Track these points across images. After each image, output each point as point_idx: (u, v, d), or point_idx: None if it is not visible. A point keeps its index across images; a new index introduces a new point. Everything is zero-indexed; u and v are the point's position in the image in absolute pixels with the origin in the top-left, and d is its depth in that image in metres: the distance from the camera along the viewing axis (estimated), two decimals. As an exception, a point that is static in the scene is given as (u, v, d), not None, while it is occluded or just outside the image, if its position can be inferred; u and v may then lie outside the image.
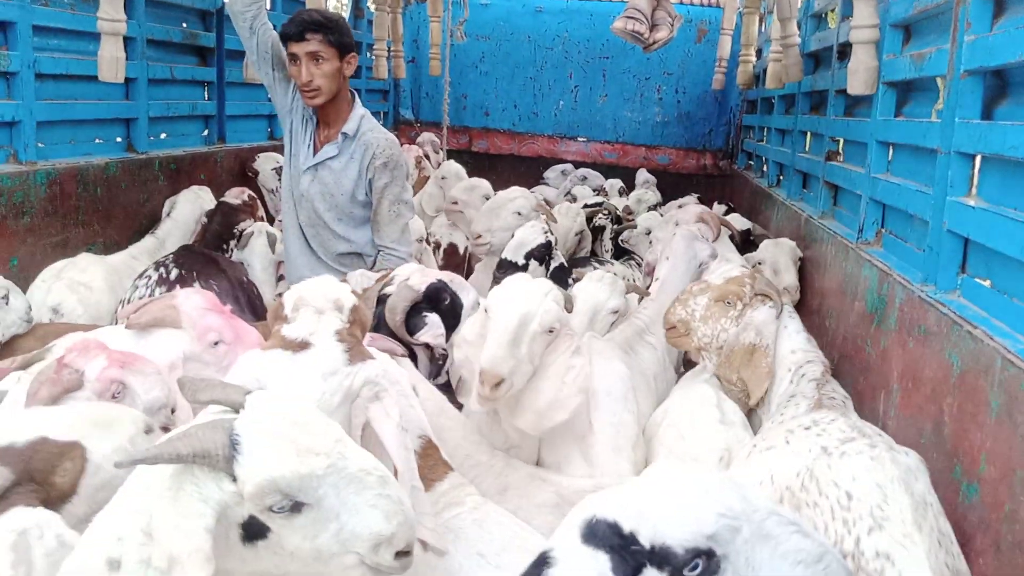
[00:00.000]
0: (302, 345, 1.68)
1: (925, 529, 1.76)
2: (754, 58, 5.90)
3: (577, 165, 7.51)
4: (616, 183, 6.77)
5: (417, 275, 2.63)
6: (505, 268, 3.59)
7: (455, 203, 4.67)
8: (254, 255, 4.07)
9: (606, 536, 1.08)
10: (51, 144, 3.86)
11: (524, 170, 7.96)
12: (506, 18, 7.89)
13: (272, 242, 4.11)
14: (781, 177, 5.34)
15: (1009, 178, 2.26)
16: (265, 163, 5.15)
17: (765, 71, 5.51)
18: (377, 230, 3.53)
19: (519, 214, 4.19)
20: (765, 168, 5.98)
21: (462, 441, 2.16)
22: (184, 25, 4.86)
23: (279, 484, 1.06)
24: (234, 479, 1.07)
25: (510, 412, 2.17)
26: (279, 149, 5.72)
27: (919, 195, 2.72)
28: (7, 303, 2.85)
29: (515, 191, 4.23)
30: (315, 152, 3.52)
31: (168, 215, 4.28)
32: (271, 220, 4.77)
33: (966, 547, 1.91)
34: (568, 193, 6.74)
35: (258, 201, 4.77)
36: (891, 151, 3.19)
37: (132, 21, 4.11)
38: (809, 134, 4.64)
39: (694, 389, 2.60)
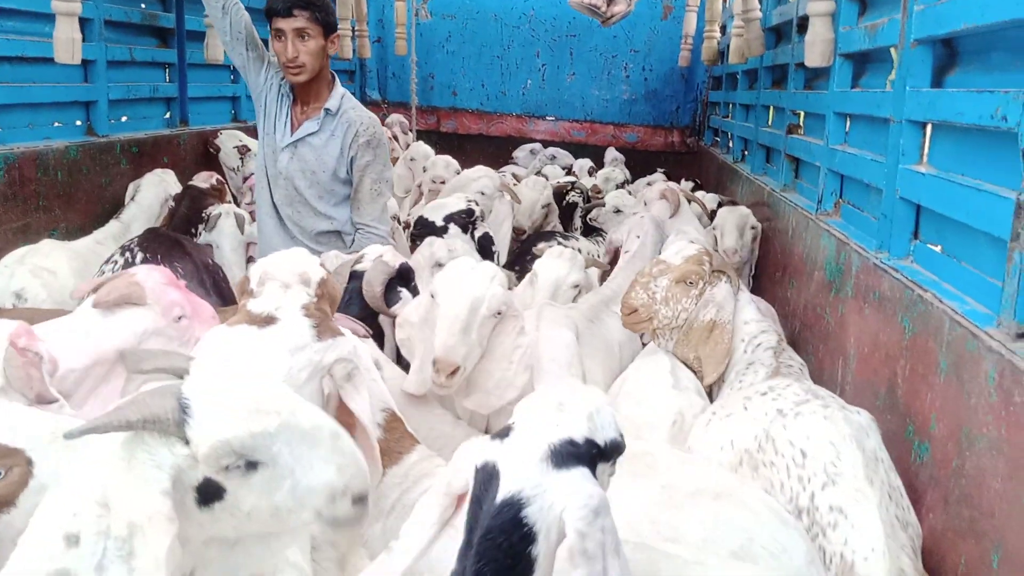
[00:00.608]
0: (268, 320, 1.67)
1: (876, 484, 1.82)
2: (718, 34, 5.93)
3: (546, 144, 7.54)
4: (585, 163, 6.79)
5: (389, 253, 2.67)
6: (421, 227, 3.64)
7: (442, 181, 4.69)
8: (223, 236, 4.02)
9: (579, 454, 1.10)
10: (9, 128, 3.80)
11: (493, 150, 7.95)
12: (471, -5, 7.86)
13: (241, 223, 4.08)
14: (746, 152, 5.39)
15: (959, 145, 2.31)
16: (228, 141, 5.10)
17: (729, 47, 5.55)
18: (357, 208, 3.51)
19: (482, 194, 4.22)
20: (731, 144, 6.04)
21: (426, 414, 2.18)
22: (143, 6, 4.78)
23: (232, 444, 1.08)
24: (186, 442, 1.08)
25: (461, 394, 2.19)
26: (243, 131, 5.70)
27: (873, 164, 2.77)
28: None
29: (479, 170, 4.25)
30: (293, 130, 3.50)
31: (132, 199, 4.23)
32: (234, 200, 4.74)
33: (917, 503, 1.98)
34: (539, 173, 6.76)
35: (226, 185, 4.73)
36: (848, 122, 3.25)
37: (89, 2, 4.05)
38: (772, 108, 4.68)
39: (650, 358, 2.64)
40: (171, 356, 1.27)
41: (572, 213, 5.25)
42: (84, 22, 3.88)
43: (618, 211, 4.93)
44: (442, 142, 7.79)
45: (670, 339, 2.68)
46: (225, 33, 3.47)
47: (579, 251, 3.62)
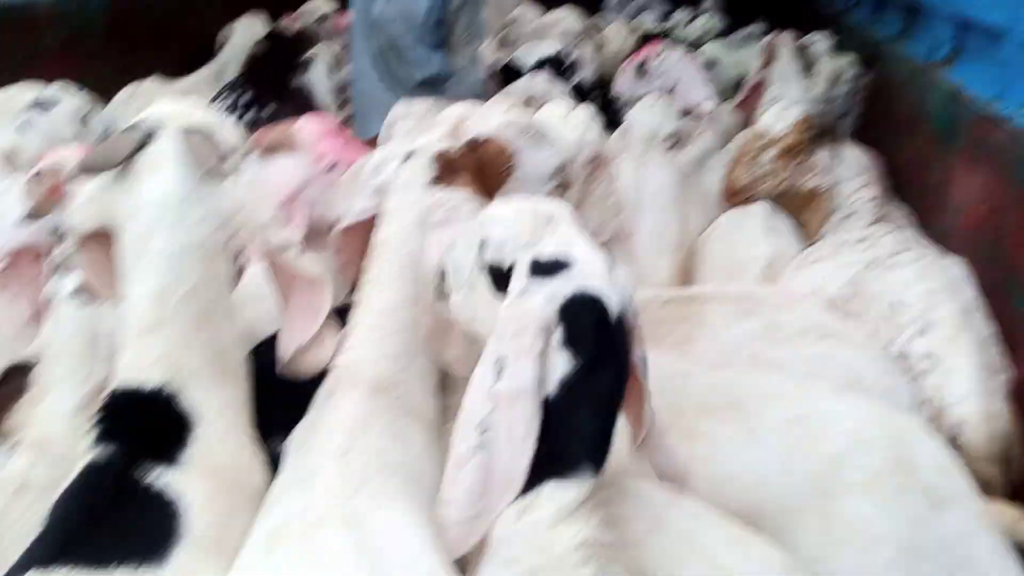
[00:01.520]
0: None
1: (970, 332, 1.81)
2: None
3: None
4: (683, 16, 6.39)
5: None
6: (509, 73, 3.59)
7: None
8: (317, 80, 4.06)
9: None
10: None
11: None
12: None
13: (332, 66, 4.09)
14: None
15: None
16: None
17: None
18: (450, 51, 3.45)
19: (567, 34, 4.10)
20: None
21: None
22: None
23: None
24: None
25: None
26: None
27: (996, 6, 2.58)
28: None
29: (562, 11, 4.12)
30: None
31: (223, 46, 4.27)
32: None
33: (1015, 350, 1.96)
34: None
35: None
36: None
37: None
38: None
39: (746, 206, 2.59)
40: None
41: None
42: None
43: (714, 64, 4.73)
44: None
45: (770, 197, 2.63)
46: None
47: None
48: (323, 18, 4.91)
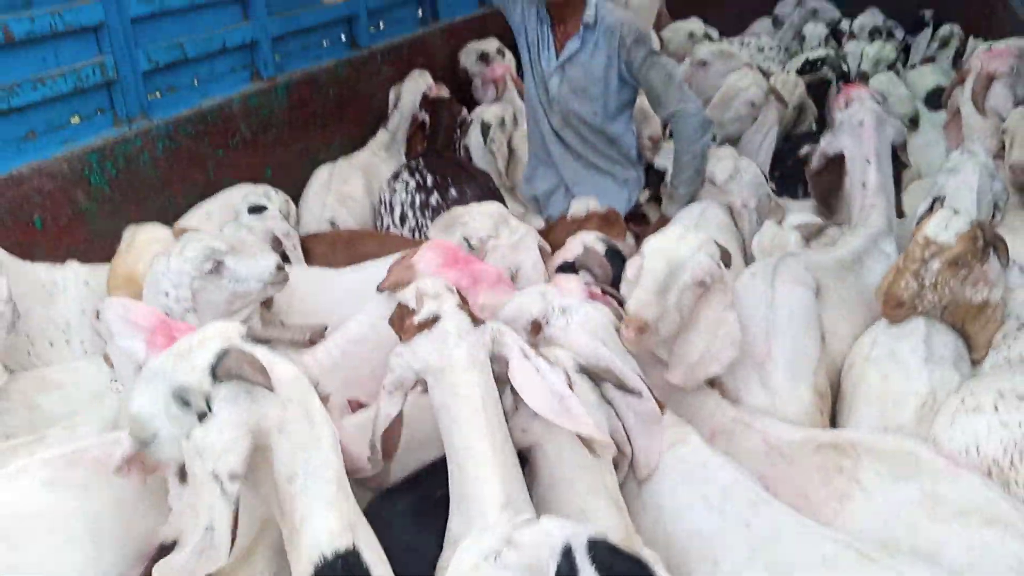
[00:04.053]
0: (434, 320, 1.80)
1: None
2: None
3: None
4: (867, 22, 6.05)
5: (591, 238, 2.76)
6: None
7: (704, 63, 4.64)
8: (473, 145, 4.28)
9: None
10: (285, 55, 4.18)
11: (746, 1, 7.36)
12: None
13: (485, 130, 4.28)
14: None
15: None
16: (466, 57, 5.21)
17: None
18: (659, 104, 3.59)
19: (752, 104, 4.05)
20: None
21: (671, 383, 2.25)
22: (393, -92, 4.88)
23: None
24: None
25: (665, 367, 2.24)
26: (489, 17, 5.77)
27: None
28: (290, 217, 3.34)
29: (747, 77, 4.07)
30: (557, 53, 3.58)
31: (395, 106, 4.54)
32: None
33: None
34: (797, 34, 6.23)
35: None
36: None
37: (345, -82, 4.22)
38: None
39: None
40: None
41: (825, 93, 4.79)
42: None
43: (847, 80, 4.49)
44: (690, -3, 7.33)
45: (935, 312, 2.49)
46: None
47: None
48: (484, 56, 5.10)
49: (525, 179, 4.10)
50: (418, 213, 3.68)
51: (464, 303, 1.88)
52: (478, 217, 2.81)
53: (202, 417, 1.52)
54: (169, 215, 3.41)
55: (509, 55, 5.18)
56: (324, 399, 1.86)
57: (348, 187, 3.94)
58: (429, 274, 2.24)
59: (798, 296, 2.55)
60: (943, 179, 3.03)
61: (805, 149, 4.04)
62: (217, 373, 1.53)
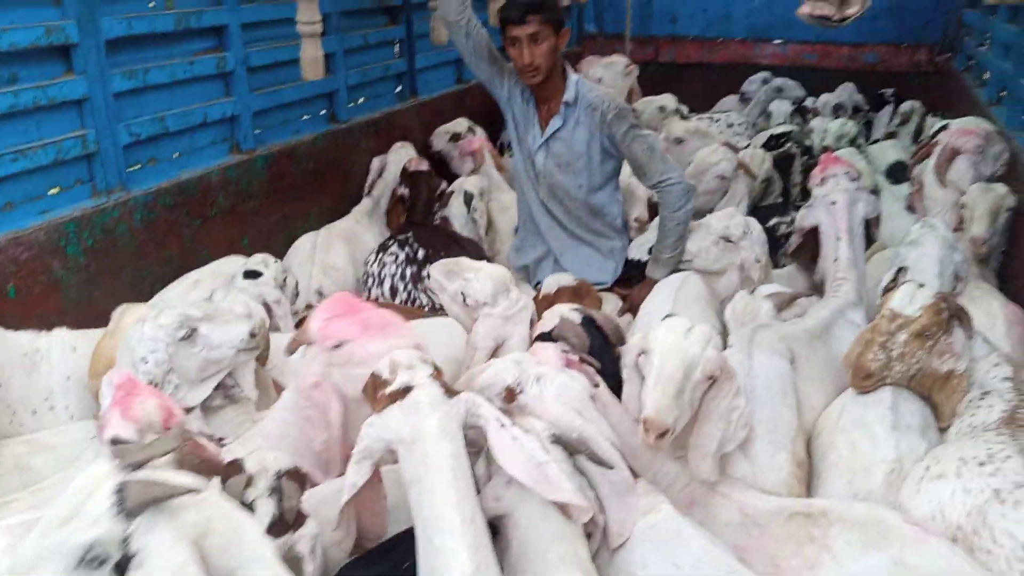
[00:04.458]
0: (407, 390, 1.82)
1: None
2: (976, -50, 5.23)
3: (773, 70, 7.08)
4: (830, 99, 6.29)
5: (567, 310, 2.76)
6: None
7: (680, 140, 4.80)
8: (455, 215, 4.35)
9: None
10: (267, 129, 4.26)
11: (715, 78, 7.62)
12: (691, -85, 7.43)
13: (468, 200, 4.36)
14: (1003, 94, 4.81)
15: None
16: (437, 141, 5.34)
17: (988, -29, 4.89)
18: (643, 174, 3.69)
19: (723, 178, 4.18)
20: (985, 77, 5.39)
21: (647, 450, 2.27)
22: (373, -13, 5.05)
23: None
24: None
25: (676, 456, 2.27)
26: (465, 93, 5.94)
27: None
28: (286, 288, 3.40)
29: (718, 152, 4.22)
30: (542, 130, 3.69)
31: (380, 175, 4.63)
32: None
33: None
34: (764, 111, 6.44)
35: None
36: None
37: (325, -2, 4.35)
38: (1035, 59, 4.14)
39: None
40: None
41: (789, 167, 4.96)
42: (322, 17, 4.12)
43: (859, 175, 4.63)
44: (659, 74, 7.60)
45: (902, 381, 2.54)
46: (468, 55, 3.75)
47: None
48: (456, 136, 5.22)
49: (514, 249, 4.18)
50: (409, 285, 3.71)
51: (438, 373, 1.90)
52: (483, 279, 2.82)
53: (123, 567, 1.38)
54: (144, 285, 3.43)
55: (479, 129, 5.33)
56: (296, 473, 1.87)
57: (331, 257, 3.99)
58: (319, 327, 2.24)
59: (775, 366, 2.60)
60: (905, 251, 3.13)
61: (774, 220, 4.17)
62: (127, 509, 1.39)
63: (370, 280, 3.81)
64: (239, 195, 3.98)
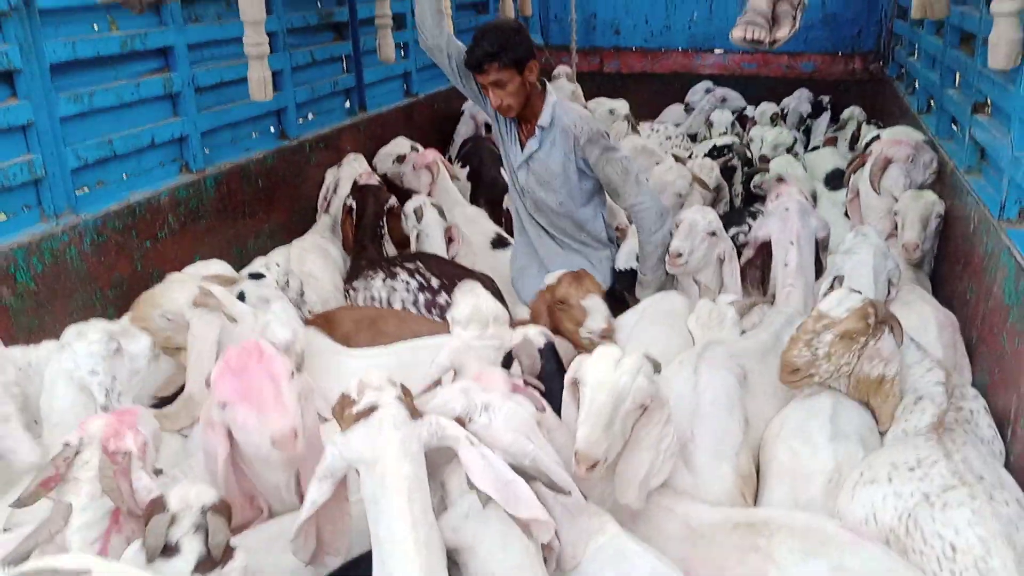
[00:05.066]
0: (372, 409, 1.84)
1: (1027, 584, 1.86)
2: (903, -35, 5.45)
3: (715, 79, 7.29)
4: (768, 109, 6.49)
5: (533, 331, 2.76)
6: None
7: None
8: (432, 226, 4.37)
9: None
10: (216, 148, 4.25)
11: (658, 87, 7.82)
12: (634, -72, 7.59)
13: (442, 212, 4.43)
14: (932, 102, 5.02)
15: None
16: (382, 162, 5.33)
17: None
18: (617, 196, 3.76)
19: (680, 195, 4.27)
20: (915, 86, 5.62)
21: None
22: (319, 5, 5.06)
23: None
24: None
25: (607, 484, 2.30)
26: (414, 106, 5.99)
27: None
28: (288, 284, 3.52)
29: (672, 171, 4.33)
30: (522, 148, 3.78)
31: (334, 191, 4.65)
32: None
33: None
34: (707, 120, 6.61)
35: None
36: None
37: (272, 16, 4.36)
38: (957, 73, 4.34)
39: (811, 400, 2.65)
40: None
41: (731, 178, 5.13)
42: (269, 35, 4.12)
43: (782, 179, 4.81)
44: (605, 83, 7.74)
45: (841, 383, 2.68)
46: (452, 74, 3.78)
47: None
48: (400, 159, 5.25)
49: (512, 255, 4.23)
50: (423, 311, 3.72)
51: (406, 395, 1.93)
52: (467, 301, 2.73)
53: None
54: (95, 308, 3.40)
55: (420, 148, 5.32)
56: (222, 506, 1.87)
57: (308, 266, 4.04)
58: (215, 375, 2.19)
59: (720, 380, 2.70)
60: (840, 260, 3.27)
61: (732, 230, 4.29)
62: None
63: (372, 302, 3.82)
64: (189, 215, 3.97)
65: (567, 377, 2.33)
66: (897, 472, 2.19)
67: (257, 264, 3.49)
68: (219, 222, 4.16)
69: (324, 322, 3.38)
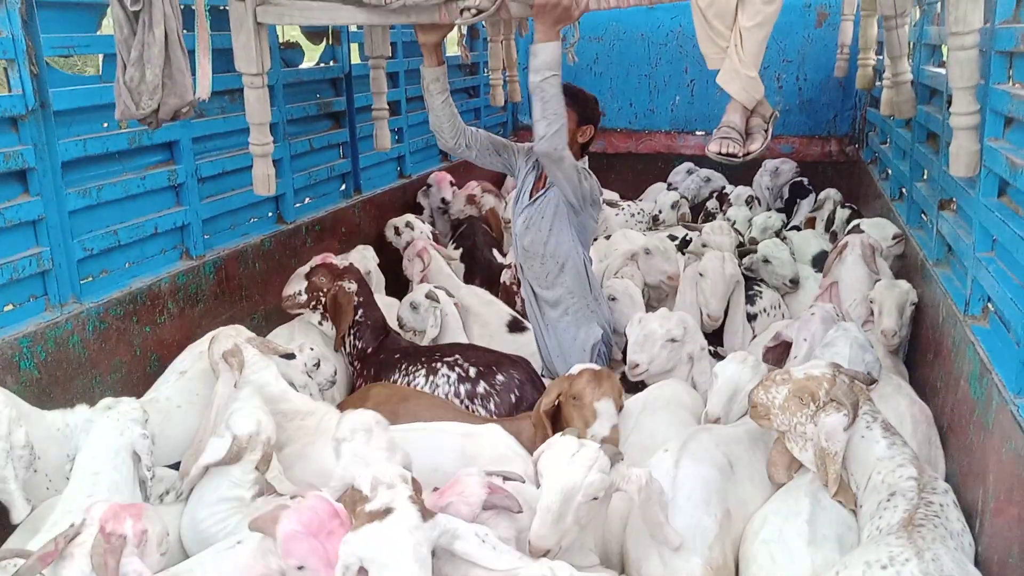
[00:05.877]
0: (387, 511, 1.99)
1: None
2: (873, 60, 5.72)
3: (696, 160, 7.56)
4: (744, 192, 6.74)
5: None
6: None
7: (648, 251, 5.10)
8: (450, 311, 4.52)
9: None
10: (215, 234, 4.40)
11: (642, 167, 8.11)
12: (618, 17, 7.93)
13: (448, 292, 4.63)
14: (903, 191, 5.24)
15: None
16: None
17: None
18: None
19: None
20: (888, 172, 5.86)
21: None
22: (318, 96, 5.27)
23: None
24: None
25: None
26: (408, 187, 6.19)
27: (1020, 289, 2.74)
28: (319, 368, 3.69)
29: (728, 263, 4.57)
30: (530, 197, 3.98)
31: None
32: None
33: None
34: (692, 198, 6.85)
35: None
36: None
37: (273, 108, 4.54)
38: (925, 169, 4.56)
39: (790, 498, 2.74)
40: None
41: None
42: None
43: (767, 261, 4.99)
44: (591, 162, 7.89)
45: (808, 450, 2.75)
46: (477, 159, 4.07)
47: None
48: (396, 230, 5.49)
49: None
50: (466, 401, 3.80)
51: (417, 494, 2.05)
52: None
53: None
54: (95, 393, 3.48)
55: (417, 223, 5.58)
56: None
57: (310, 341, 4.10)
58: (286, 535, 2.11)
59: (700, 474, 2.77)
60: (820, 352, 3.43)
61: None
62: None
63: None
64: (188, 300, 4.09)
65: (533, 457, 2.47)
66: (871, 571, 2.27)
67: (295, 344, 3.65)
68: (216, 305, 4.29)
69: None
